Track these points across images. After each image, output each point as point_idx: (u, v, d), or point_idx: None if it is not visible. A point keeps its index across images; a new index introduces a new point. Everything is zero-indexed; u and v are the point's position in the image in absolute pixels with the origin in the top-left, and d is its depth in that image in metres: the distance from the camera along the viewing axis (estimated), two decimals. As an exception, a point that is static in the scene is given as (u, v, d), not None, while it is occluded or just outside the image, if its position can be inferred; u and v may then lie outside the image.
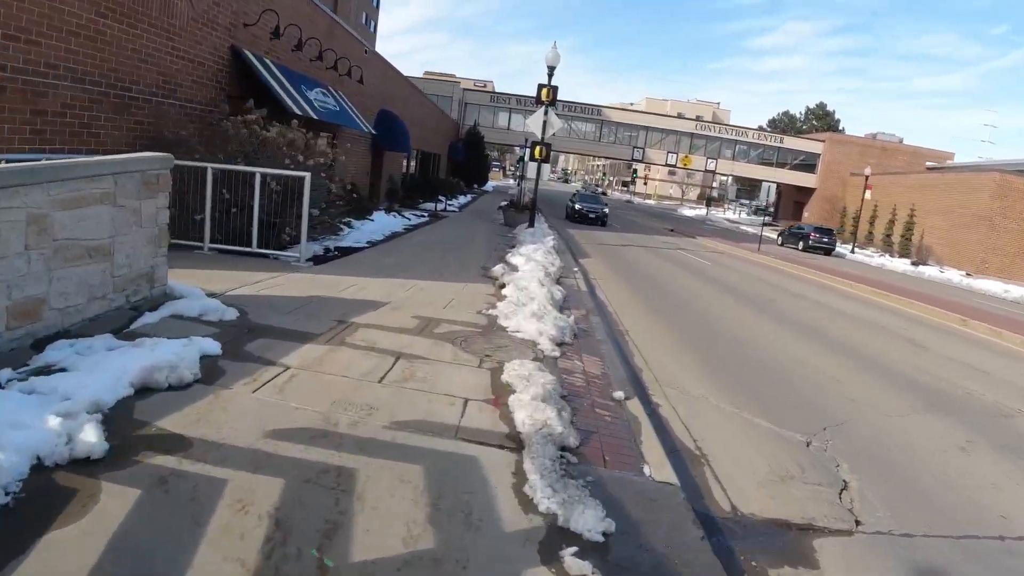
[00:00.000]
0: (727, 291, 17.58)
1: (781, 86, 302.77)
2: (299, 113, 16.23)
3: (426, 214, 27.65)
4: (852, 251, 47.92)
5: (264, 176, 11.59)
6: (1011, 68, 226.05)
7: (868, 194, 50.02)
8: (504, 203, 32.75)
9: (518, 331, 8.16)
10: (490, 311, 9.37)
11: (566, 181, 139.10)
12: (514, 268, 14.21)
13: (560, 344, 8.10)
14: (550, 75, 24.05)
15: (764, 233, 41.22)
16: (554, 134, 24.88)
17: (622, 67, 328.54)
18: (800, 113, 75.40)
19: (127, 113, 12.14)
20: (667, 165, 64.65)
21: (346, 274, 11.03)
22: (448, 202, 35.52)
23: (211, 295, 8.00)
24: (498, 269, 12.87)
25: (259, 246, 11.67)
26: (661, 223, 51.99)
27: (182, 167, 11.72)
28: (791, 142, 66.67)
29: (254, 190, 11.46)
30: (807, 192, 67.34)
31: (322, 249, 13.87)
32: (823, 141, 67.35)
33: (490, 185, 68.81)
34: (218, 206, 11.69)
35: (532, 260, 14.93)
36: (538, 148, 24.09)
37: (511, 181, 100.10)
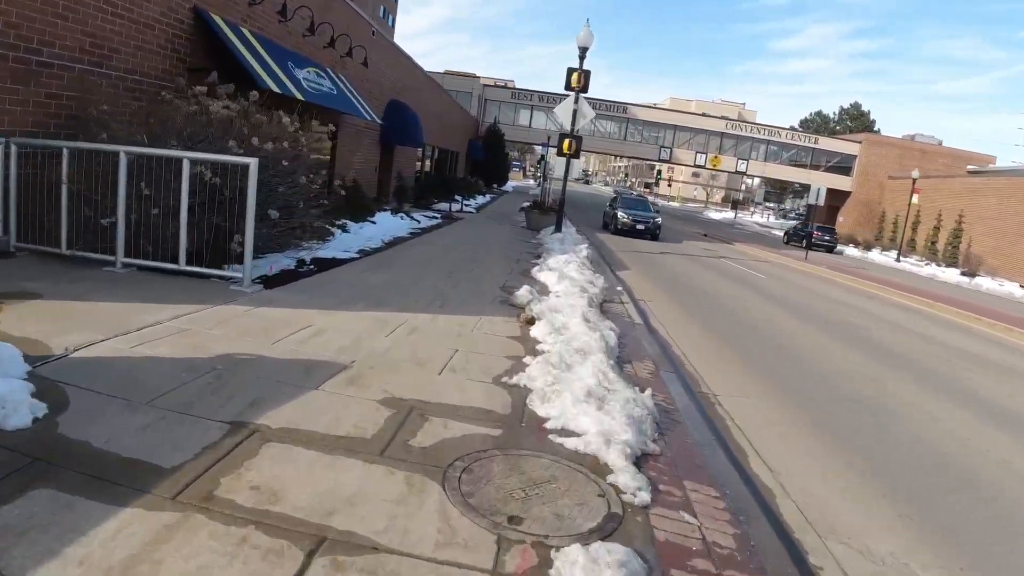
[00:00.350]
0: (808, 319, 13.87)
1: (804, 89, 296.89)
2: (277, 91, 12.79)
3: (439, 216, 24.17)
4: (897, 259, 43.94)
5: (196, 164, 8.12)
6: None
7: (916, 198, 45.92)
8: (526, 204, 29.18)
9: (566, 433, 4.59)
10: (515, 378, 5.77)
11: (587, 182, 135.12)
12: (544, 289, 10.67)
13: (641, 456, 4.52)
14: (582, 58, 20.47)
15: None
16: (581, 128, 21.26)
17: (643, 69, 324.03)
18: (834, 113, 71.31)
19: (35, 83, 8.75)
20: (695, 166, 60.75)
21: (305, 304, 7.52)
22: (465, 202, 32.06)
23: (39, 359, 4.56)
24: (523, 293, 9.30)
25: (192, 262, 8.20)
26: (691, 227, 48.18)
27: (92, 152, 8.32)
28: (826, 143, 62.52)
29: (182, 183, 8.00)
30: (842, 196, 63.15)
31: (294, 262, 10.39)
32: (859, 142, 63.13)
33: (510, 185, 65.35)
34: (136, 206, 8.25)
35: (566, 277, 11.37)
36: (567, 141, 20.52)
37: (531, 181, 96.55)
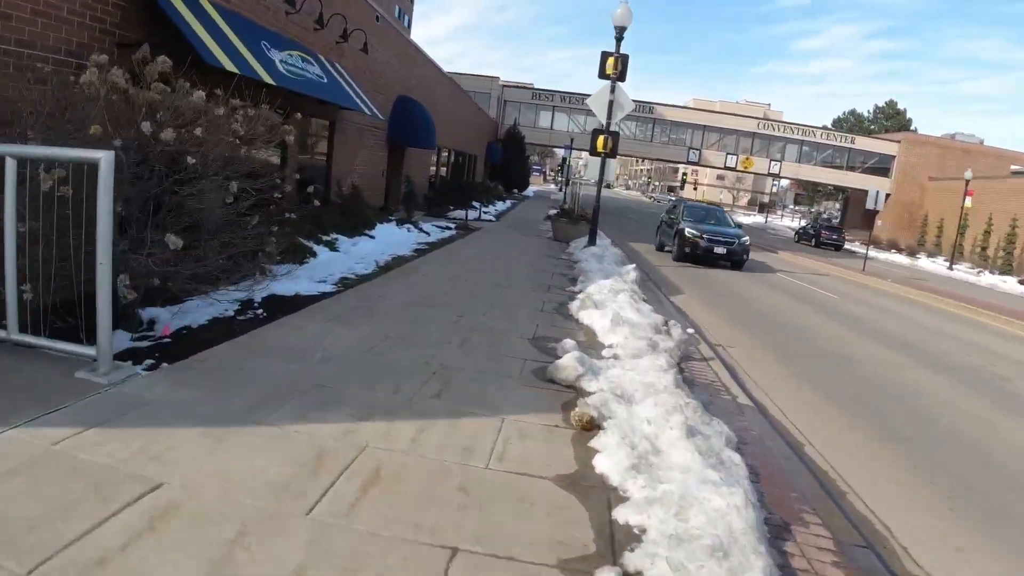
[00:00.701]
0: (931, 366, 10.34)
1: (826, 89, 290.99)
2: (231, 69, 9.51)
3: (453, 226, 20.85)
4: (950, 267, 39.99)
5: (28, 164, 4.82)
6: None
7: (969, 201, 41.92)
8: (553, 212, 25.75)
9: None
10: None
11: (608, 186, 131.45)
12: (593, 339, 7.29)
13: None
14: (619, 40, 17.04)
15: (845, 246, 33.64)
16: (617, 123, 17.77)
17: (664, 72, 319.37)
18: (868, 112, 67.22)
19: None
20: (725, 168, 57.01)
21: (187, 414, 4.15)
22: (484, 210, 28.75)
23: None
24: (569, 363, 5.83)
25: (37, 326, 4.91)
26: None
27: None
28: (862, 143, 58.48)
29: (4, 195, 4.71)
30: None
31: (233, 306, 7.10)
32: (898, 142, 59.05)
33: (531, 190, 61.99)
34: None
35: (623, 322, 7.94)
36: (602, 138, 17.11)
37: (552, 186, 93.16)
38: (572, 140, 47.12)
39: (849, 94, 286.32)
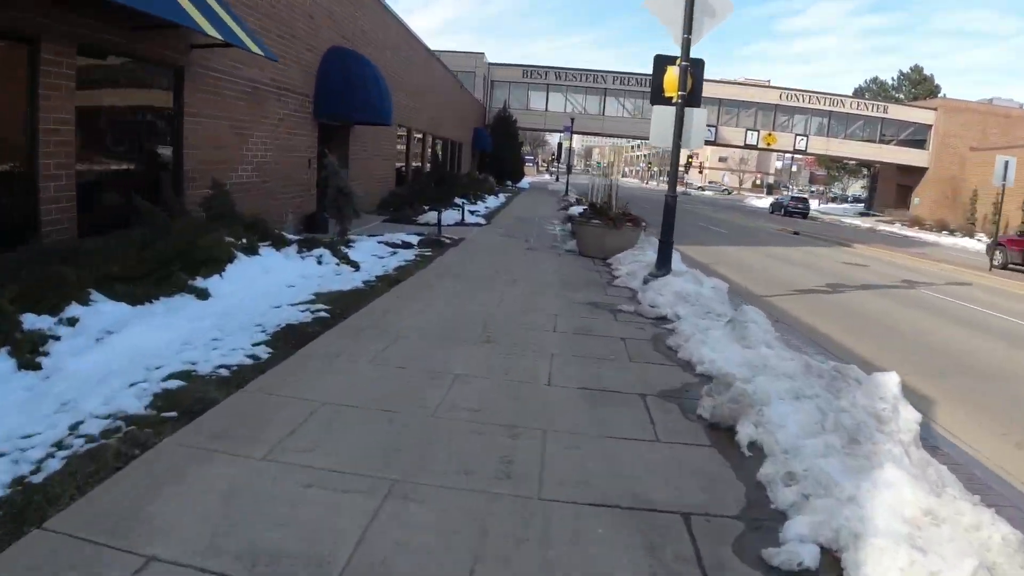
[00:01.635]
0: None
1: (812, 69, 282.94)
2: None
3: (417, 239, 13.01)
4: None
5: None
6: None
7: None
8: (568, 208, 17.90)
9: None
10: None
11: (604, 175, 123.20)
12: None
13: None
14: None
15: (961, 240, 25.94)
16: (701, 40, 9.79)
17: (651, 58, 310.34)
18: (892, 79, 59.51)
19: None
20: (745, 147, 49.11)
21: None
22: (471, 208, 20.98)
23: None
24: None
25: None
26: (761, 221, 36.84)
27: None
28: (896, 112, 50.66)
29: None
30: (915, 173, 51.41)
31: None
32: (934, 109, 51.27)
33: (526, 182, 54.09)
34: None
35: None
36: (672, 72, 9.20)
37: (547, 176, 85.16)
38: (573, 120, 39.22)
39: (842, 71, 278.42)
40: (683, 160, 65.43)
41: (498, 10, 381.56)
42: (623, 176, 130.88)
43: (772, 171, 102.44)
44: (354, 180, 13.44)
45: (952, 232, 42.92)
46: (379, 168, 18.96)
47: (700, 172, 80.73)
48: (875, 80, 60.58)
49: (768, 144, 48.04)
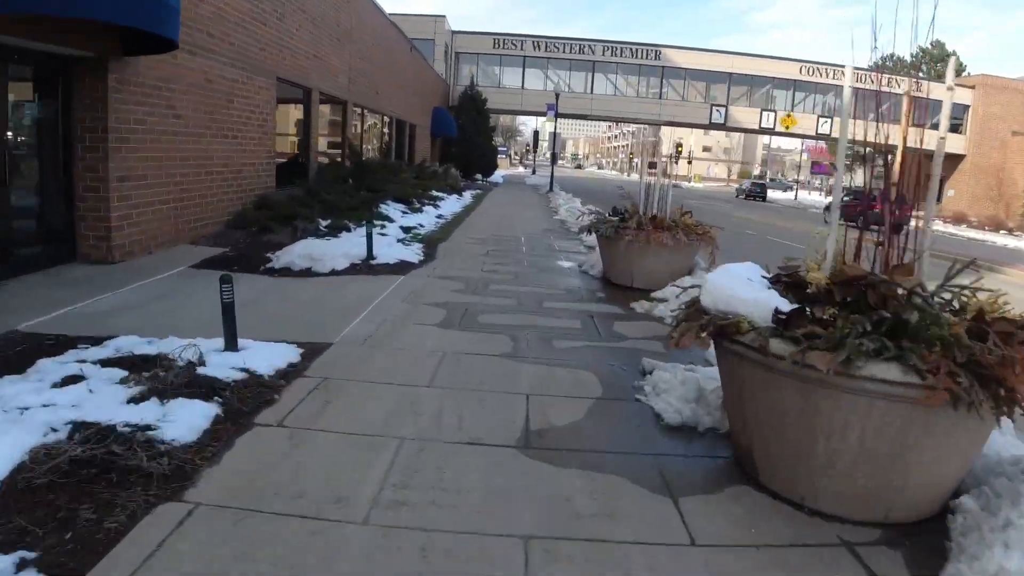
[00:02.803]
0: None
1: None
2: None
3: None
4: None
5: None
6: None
7: None
8: (608, 221, 8.40)
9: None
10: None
11: (579, 167, 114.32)
12: None
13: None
14: None
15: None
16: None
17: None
18: (911, 56, 51.21)
19: None
20: (760, 131, 40.32)
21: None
22: (411, 218, 11.91)
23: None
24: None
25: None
26: (799, 222, 27.91)
27: None
28: (931, 90, 42.11)
29: None
30: (949, 162, 42.93)
31: None
32: (971, 87, 42.98)
33: (499, 175, 44.82)
34: None
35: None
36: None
37: (522, 169, 75.81)
38: (557, 98, 29.92)
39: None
40: (666, 149, 55.47)
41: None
42: (599, 168, 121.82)
43: (759, 162, 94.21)
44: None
45: (1011, 232, 34.63)
46: (224, 154, 9.58)
47: (689, 163, 72.00)
48: (891, 56, 51.84)
49: (787, 127, 39.25)
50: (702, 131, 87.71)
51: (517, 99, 38.01)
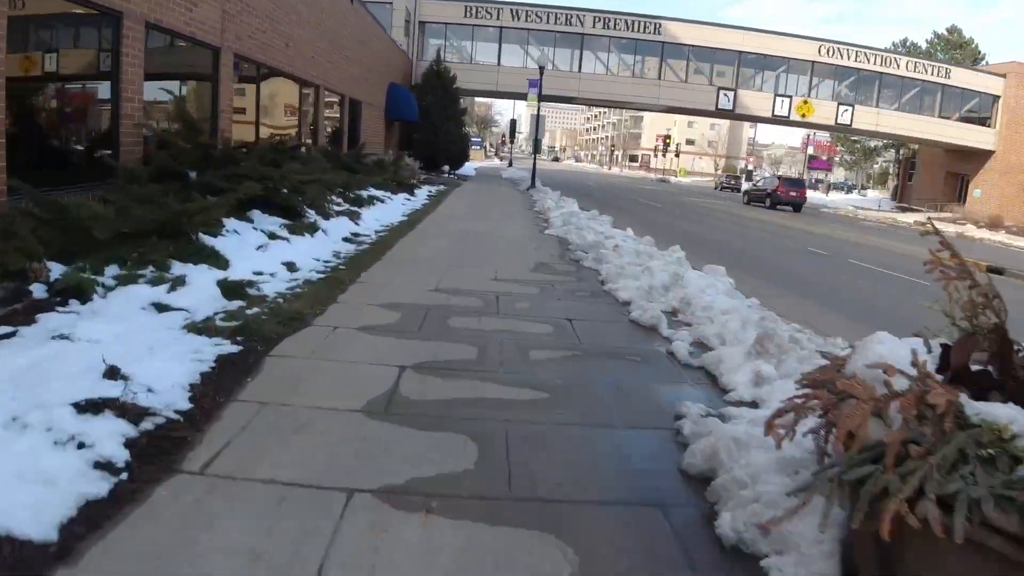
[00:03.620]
0: None
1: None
2: None
3: None
4: None
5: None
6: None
7: None
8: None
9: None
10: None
11: (556, 160, 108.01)
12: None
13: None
14: None
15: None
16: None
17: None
18: (927, 42, 45.67)
19: None
20: (773, 118, 34.28)
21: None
22: (277, 247, 5.63)
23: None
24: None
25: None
26: (858, 233, 22.03)
27: None
28: (960, 77, 36.62)
29: None
30: (972, 158, 37.88)
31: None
32: (1002, 76, 37.55)
33: (470, 167, 38.52)
34: None
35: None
36: None
37: (497, 161, 69.39)
38: (542, 72, 23.60)
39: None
40: (651, 143, 49.48)
41: None
42: (577, 161, 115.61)
43: (744, 155, 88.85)
44: None
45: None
46: None
47: (676, 156, 66.18)
48: (904, 42, 46.47)
49: (803, 115, 33.39)
50: (686, 123, 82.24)
51: (492, 78, 31.59)
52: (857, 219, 32.33)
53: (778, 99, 32.89)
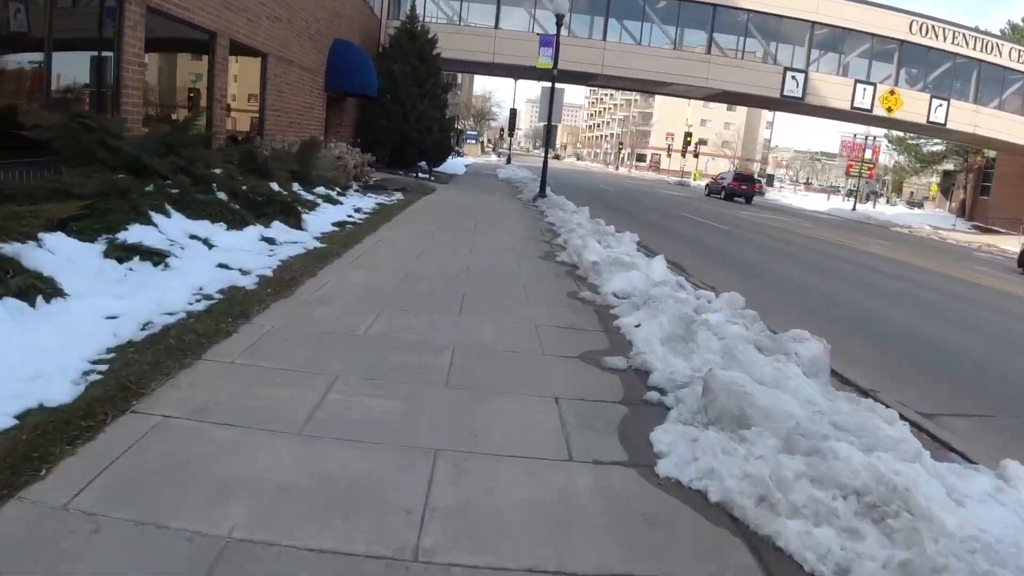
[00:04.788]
0: None
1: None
2: None
3: None
4: None
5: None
6: None
7: None
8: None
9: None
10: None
11: (557, 157, 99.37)
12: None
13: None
14: None
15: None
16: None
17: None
18: (1000, 31, 37.33)
19: None
20: (853, 110, 25.79)
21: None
22: None
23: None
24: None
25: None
26: (935, 257, 13.65)
27: None
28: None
29: None
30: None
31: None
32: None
33: (460, 164, 30.22)
34: None
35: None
36: None
37: (494, 157, 60.94)
38: (559, 21, 15.15)
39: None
40: (662, 141, 40.82)
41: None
42: (578, 159, 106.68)
43: (758, 157, 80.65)
44: None
45: None
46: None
47: (696, 156, 57.86)
48: (976, 29, 38.06)
49: (889, 110, 25.10)
50: (699, 121, 73.90)
51: (487, 44, 23.06)
52: (969, 250, 23.75)
53: (859, 87, 24.57)
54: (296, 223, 6.83)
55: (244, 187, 7.10)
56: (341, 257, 6.11)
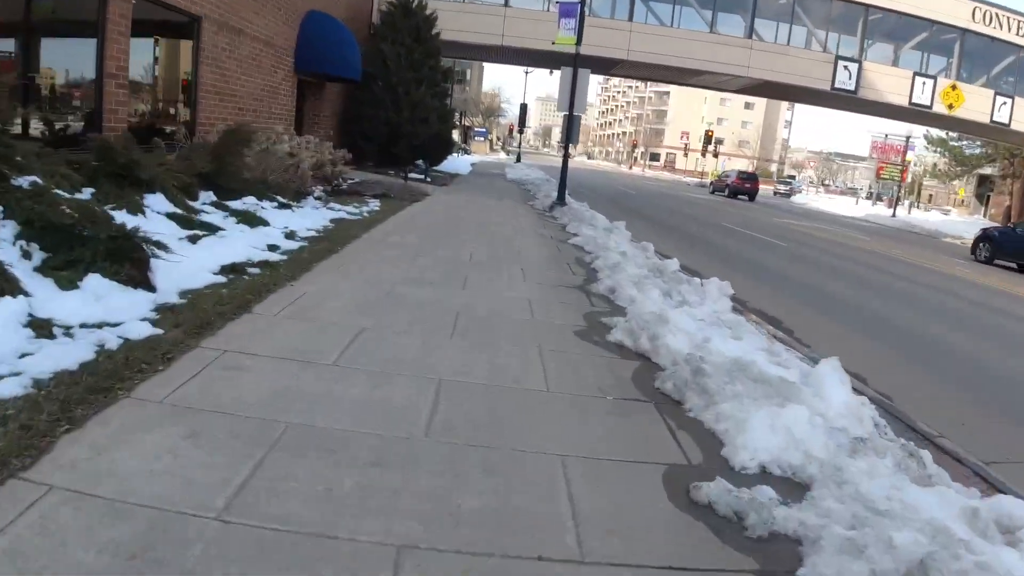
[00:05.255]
0: None
1: None
2: None
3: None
4: None
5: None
6: None
7: None
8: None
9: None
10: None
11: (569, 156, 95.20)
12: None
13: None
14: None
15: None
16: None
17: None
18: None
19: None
20: (911, 106, 22.42)
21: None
22: None
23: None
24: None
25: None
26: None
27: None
28: None
29: None
30: None
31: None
32: None
33: (465, 163, 27.21)
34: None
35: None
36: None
37: (503, 155, 57.79)
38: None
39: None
40: (677, 140, 37.72)
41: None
42: (589, 158, 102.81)
43: (776, 158, 77.21)
44: None
45: None
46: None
47: (715, 156, 54.54)
48: None
49: (950, 106, 21.82)
50: (715, 119, 70.38)
51: (495, 25, 19.85)
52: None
53: (918, 80, 21.28)
54: (138, 275, 3.75)
55: (65, 208, 4.03)
56: (155, 376, 2.85)
